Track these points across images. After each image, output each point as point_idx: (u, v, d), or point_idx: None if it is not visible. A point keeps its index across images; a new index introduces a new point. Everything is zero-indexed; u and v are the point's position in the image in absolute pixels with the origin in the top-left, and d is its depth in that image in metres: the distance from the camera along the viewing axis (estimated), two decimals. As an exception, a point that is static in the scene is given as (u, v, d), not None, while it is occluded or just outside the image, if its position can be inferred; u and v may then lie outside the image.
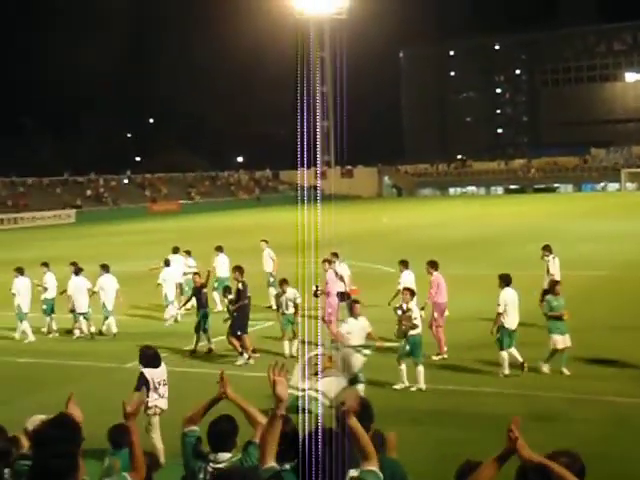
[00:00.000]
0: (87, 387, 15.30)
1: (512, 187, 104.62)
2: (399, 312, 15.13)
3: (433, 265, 17.95)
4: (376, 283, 24.82)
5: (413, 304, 15.14)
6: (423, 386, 14.65)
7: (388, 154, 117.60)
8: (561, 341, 15.20)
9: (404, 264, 19.35)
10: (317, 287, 19.05)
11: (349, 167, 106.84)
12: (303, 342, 15.70)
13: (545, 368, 15.22)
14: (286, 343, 17.74)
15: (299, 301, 17.86)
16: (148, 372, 11.72)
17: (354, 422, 4.72)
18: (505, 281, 15.70)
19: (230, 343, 17.66)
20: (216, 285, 23.68)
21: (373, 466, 4.83)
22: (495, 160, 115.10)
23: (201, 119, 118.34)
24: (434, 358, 16.58)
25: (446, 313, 18.24)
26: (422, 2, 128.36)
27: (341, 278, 19.90)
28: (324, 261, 19.66)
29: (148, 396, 11.48)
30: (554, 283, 16.47)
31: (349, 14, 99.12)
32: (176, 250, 25.04)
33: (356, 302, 14.70)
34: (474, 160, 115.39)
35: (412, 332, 14.91)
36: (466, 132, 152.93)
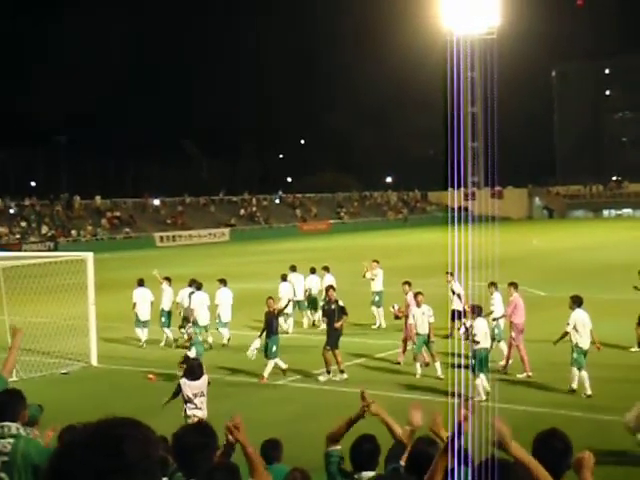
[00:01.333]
0: (236, 403, 15.93)
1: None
2: (462, 330, 16.74)
3: (514, 286, 18.75)
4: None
5: (477, 321, 16.08)
6: (483, 397, 15.46)
7: (539, 175, 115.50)
8: None
9: (494, 285, 19.39)
10: (394, 307, 20.12)
11: (499, 188, 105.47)
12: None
13: None
14: (418, 365, 18.23)
15: (432, 320, 18.45)
16: (184, 383, 12.57)
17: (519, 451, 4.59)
18: (576, 302, 16.21)
19: (324, 357, 18.41)
20: (376, 299, 24.68)
21: None
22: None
23: (351, 139, 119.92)
24: (518, 376, 17.17)
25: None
26: (575, 20, 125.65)
27: (458, 296, 20.82)
28: (404, 283, 20.51)
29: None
30: None
31: (499, 33, 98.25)
32: (294, 268, 26.25)
33: (419, 293, 18.05)
34: (630, 181, 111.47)
35: (477, 347, 15.90)
36: (622, 153, 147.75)
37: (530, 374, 17.27)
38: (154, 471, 2.09)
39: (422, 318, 17.96)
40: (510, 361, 18.02)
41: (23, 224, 70.77)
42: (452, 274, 21.17)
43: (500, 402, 14.24)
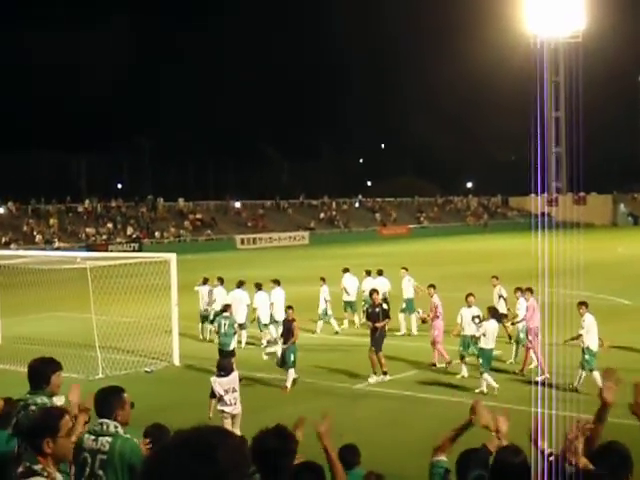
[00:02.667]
0: (317, 406, 16.12)
1: None
2: (476, 320, 18.34)
3: (530, 291, 19.63)
4: (603, 315, 24.15)
5: (490, 322, 17.46)
6: (484, 389, 16.91)
7: (624, 181, 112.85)
8: None
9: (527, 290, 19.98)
10: (419, 312, 22.29)
11: (582, 194, 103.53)
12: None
13: None
14: (463, 366, 18.86)
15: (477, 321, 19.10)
16: (214, 380, 13.21)
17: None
18: (587, 306, 17.47)
19: (370, 359, 18.75)
20: (403, 306, 25.01)
21: None
22: None
23: (431, 143, 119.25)
24: (537, 379, 17.41)
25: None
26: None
27: (504, 300, 22.01)
28: (429, 286, 21.56)
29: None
30: None
31: (585, 37, 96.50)
32: (346, 270, 27.47)
33: (471, 295, 19.04)
34: None
35: (482, 345, 17.31)
36: None
37: (547, 376, 17.58)
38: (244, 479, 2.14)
39: (468, 317, 18.74)
40: (533, 364, 18.84)
41: (109, 225, 72.54)
42: (497, 278, 22.49)
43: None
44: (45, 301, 25.02)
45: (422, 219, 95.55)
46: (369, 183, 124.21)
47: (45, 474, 5.37)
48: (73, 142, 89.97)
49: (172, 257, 22.08)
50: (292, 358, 18.22)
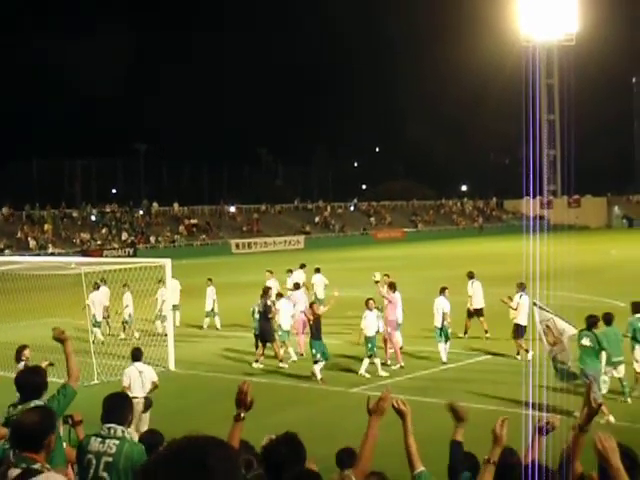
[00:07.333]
0: (313, 411, 16.11)
1: None
2: None
3: (391, 287, 21.40)
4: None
5: None
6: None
7: (618, 184, 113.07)
8: None
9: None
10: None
11: (576, 196, 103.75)
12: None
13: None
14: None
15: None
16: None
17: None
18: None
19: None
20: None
21: None
22: None
23: (426, 147, 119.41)
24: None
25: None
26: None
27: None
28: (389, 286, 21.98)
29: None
30: None
31: (578, 40, 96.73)
32: (303, 266, 31.05)
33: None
34: None
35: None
36: None
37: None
38: None
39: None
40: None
41: (104, 231, 72.46)
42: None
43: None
44: (39, 307, 24.97)
45: (417, 222, 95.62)
46: (364, 187, 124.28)
47: (45, 470, 5.41)
48: (68, 147, 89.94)
49: (167, 262, 22.06)
50: (314, 352, 19.27)
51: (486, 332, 23.79)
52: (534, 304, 16.75)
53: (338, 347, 22.15)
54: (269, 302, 21.52)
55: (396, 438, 5.86)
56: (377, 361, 19.62)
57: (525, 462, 5.42)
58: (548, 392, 15.23)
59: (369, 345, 19.51)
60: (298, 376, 19.74)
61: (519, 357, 20.50)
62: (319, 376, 18.94)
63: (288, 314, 21.88)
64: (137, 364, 14.58)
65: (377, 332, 19.77)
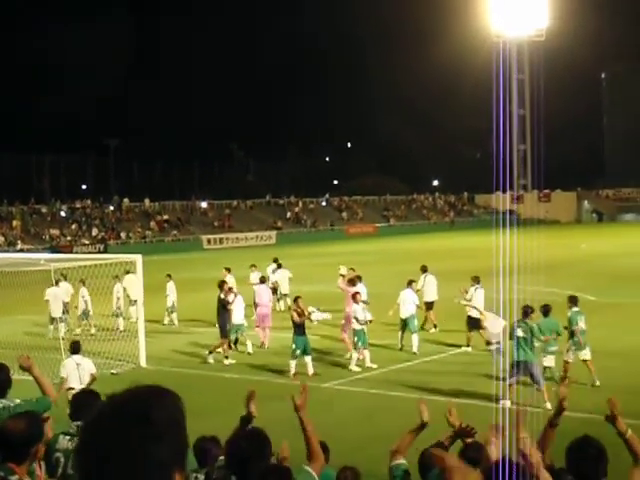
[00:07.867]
0: (286, 406, 16.08)
1: None
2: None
3: (351, 282, 21.81)
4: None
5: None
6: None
7: (588, 178, 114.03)
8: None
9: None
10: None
11: (547, 191, 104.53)
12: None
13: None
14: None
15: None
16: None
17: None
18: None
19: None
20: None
21: None
22: None
23: (398, 142, 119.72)
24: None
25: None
26: (624, 21, 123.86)
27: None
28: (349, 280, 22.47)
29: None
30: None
31: (548, 35, 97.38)
32: (276, 261, 31.46)
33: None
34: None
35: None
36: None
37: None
38: (183, 438, 2.08)
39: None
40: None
41: (74, 226, 71.87)
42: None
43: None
44: (7, 304, 24.70)
45: (389, 217, 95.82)
46: (335, 182, 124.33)
47: None
48: (36, 143, 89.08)
49: (138, 258, 21.91)
50: (293, 348, 19.09)
51: (435, 326, 24.22)
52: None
53: (312, 342, 22.11)
54: (222, 295, 21.53)
55: (375, 434, 5.84)
56: (354, 356, 19.57)
57: (540, 454, 5.18)
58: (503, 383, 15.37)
59: (355, 338, 19.46)
60: (272, 371, 19.70)
61: (469, 348, 20.93)
62: (293, 371, 18.88)
63: (240, 308, 22.07)
64: (75, 357, 14.63)
65: (365, 323, 19.65)
